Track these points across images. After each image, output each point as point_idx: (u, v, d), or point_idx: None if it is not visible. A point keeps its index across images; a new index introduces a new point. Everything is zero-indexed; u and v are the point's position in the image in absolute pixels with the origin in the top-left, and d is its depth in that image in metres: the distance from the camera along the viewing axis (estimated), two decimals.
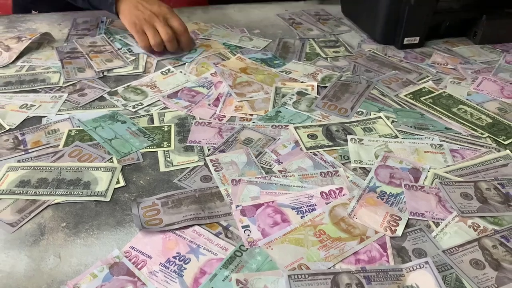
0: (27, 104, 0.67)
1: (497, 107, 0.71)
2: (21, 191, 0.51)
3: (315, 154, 0.59)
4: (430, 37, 0.92)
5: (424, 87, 0.75)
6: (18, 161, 0.56)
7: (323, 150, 0.59)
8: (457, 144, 0.61)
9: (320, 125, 0.64)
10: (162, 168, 0.56)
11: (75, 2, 0.92)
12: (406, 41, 0.88)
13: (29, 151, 0.58)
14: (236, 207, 0.50)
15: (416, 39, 0.89)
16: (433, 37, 0.93)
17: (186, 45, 0.85)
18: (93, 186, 0.52)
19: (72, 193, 0.51)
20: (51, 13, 1.00)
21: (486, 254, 0.45)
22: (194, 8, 1.09)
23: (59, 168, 0.54)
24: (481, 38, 0.92)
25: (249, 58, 0.84)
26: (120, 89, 0.72)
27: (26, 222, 0.48)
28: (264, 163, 0.57)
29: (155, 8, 0.82)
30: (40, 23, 0.95)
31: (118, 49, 0.84)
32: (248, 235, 0.47)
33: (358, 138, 0.62)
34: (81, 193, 0.51)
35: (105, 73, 0.77)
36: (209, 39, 0.92)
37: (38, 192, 0.51)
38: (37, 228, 0.47)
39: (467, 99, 0.72)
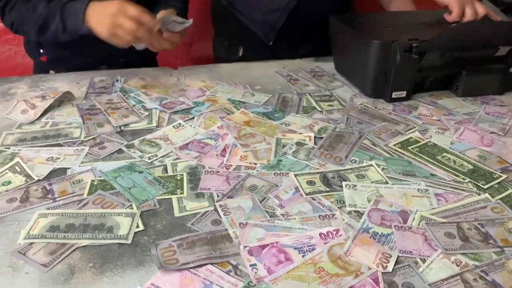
0: (52, 157, 0.74)
1: (478, 154, 0.78)
2: (52, 235, 0.57)
3: (313, 199, 0.65)
4: (416, 91, 1.01)
5: (411, 137, 0.83)
6: (48, 208, 0.62)
7: (321, 195, 0.66)
8: (441, 189, 0.68)
9: (317, 173, 0.71)
10: (177, 213, 0.63)
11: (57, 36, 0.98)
12: (394, 95, 0.97)
13: (57, 199, 0.64)
14: (244, 248, 0.56)
15: (403, 93, 0.98)
16: (419, 91, 1.02)
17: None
18: (115, 230, 0.58)
19: (97, 237, 0.57)
20: (70, 72, 1.09)
21: (468, 287, 0.51)
22: (201, 66, 1.19)
23: (84, 215, 0.61)
24: (462, 91, 1.01)
25: (252, 112, 0.92)
26: (136, 142, 0.80)
27: (58, 263, 0.53)
28: (268, 207, 0.64)
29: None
30: (60, 82, 1.04)
31: (133, 105, 0.93)
32: (256, 272, 0.53)
33: (352, 184, 0.68)
34: (105, 237, 0.57)
35: (122, 128, 0.84)
36: (215, 95, 1.00)
37: (67, 236, 0.57)
38: (67, 268, 0.53)
39: (450, 148, 0.80)
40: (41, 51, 1.15)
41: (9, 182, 0.68)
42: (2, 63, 1.52)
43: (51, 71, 1.16)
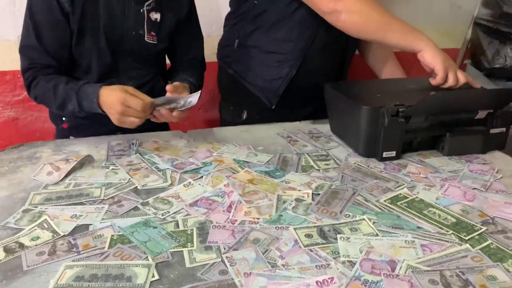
0: (76, 215, 0.82)
1: (461, 209, 0.86)
2: (77, 285, 0.64)
3: (311, 250, 0.72)
4: (405, 150, 1.11)
5: (400, 193, 0.91)
6: (73, 260, 0.70)
7: (318, 247, 0.73)
8: (427, 240, 0.75)
9: (315, 226, 0.79)
10: (188, 264, 0.70)
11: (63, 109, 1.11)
12: (384, 154, 1.06)
13: (81, 252, 0.72)
14: None
15: (393, 153, 1.07)
16: (408, 150, 1.11)
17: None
18: (134, 280, 0.65)
19: (118, 286, 0.64)
20: (89, 137, 1.20)
21: None
22: (208, 129, 1.30)
23: (106, 266, 0.68)
24: (448, 151, 1.10)
25: (255, 171, 1.01)
26: (151, 200, 0.88)
27: None
28: (270, 258, 0.71)
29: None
30: (81, 146, 1.14)
31: (146, 168, 1.02)
32: None
33: (346, 237, 0.76)
34: (124, 286, 0.64)
35: (138, 187, 0.93)
36: (221, 155, 1.10)
37: (91, 286, 0.64)
38: None
39: (436, 203, 0.87)
40: (63, 119, 1.27)
41: (38, 237, 0.76)
42: (24, 127, 1.65)
43: (71, 137, 1.27)
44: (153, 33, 1.19)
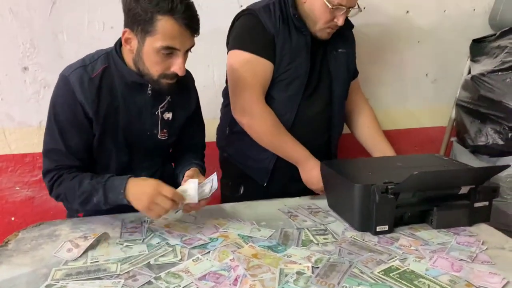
0: None
1: (449, 279, 0.93)
2: None
3: None
4: (397, 224, 1.19)
5: (393, 265, 0.99)
6: None
7: None
8: None
9: None
10: None
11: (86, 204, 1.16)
12: (378, 229, 1.15)
13: None
14: None
15: (385, 227, 1.15)
16: (400, 224, 1.20)
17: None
18: None
19: None
20: (104, 215, 1.29)
21: None
22: (214, 206, 1.39)
23: None
24: (436, 224, 1.19)
25: (259, 246, 1.09)
26: (163, 274, 0.96)
27: None
28: None
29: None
30: (97, 224, 1.23)
31: (158, 243, 1.11)
32: None
33: None
34: None
35: (151, 262, 1.01)
36: (227, 231, 1.18)
37: None
38: None
39: (425, 274, 0.95)
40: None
41: None
42: (39, 206, 1.75)
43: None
44: (165, 131, 1.30)
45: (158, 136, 1.29)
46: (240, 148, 1.54)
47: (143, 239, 1.13)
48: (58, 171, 1.17)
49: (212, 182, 1.18)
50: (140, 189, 1.10)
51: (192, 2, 1.11)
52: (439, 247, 1.08)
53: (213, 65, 1.82)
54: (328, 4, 1.34)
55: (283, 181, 1.53)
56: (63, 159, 1.17)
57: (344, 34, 1.51)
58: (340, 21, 1.38)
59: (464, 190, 1.19)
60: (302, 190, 1.47)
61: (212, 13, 1.72)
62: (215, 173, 1.20)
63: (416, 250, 1.07)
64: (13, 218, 1.78)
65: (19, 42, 1.64)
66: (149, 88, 1.21)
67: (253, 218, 1.27)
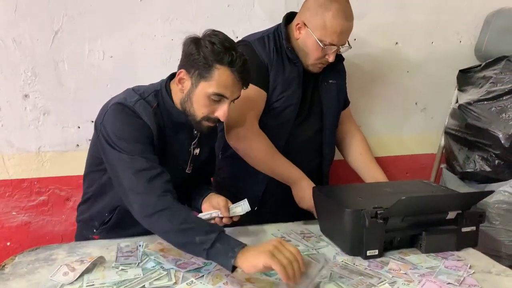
0: None
1: None
2: None
3: None
4: (387, 249, 1.22)
5: None
6: None
7: None
8: None
9: None
10: None
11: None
12: (368, 253, 1.18)
13: None
14: None
15: (375, 252, 1.18)
16: (390, 248, 1.23)
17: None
18: None
19: None
20: (100, 240, 1.31)
21: None
22: None
23: None
24: (425, 249, 1.22)
25: None
26: None
27: None
28: None
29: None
30: (93, 248, 1.25)
31: (152, 267, 1.13)
32: None
33: None
34: None
35: (145, 285, 1.03)
36: None
37: None
38: None
39: None
40: (95, 231, 1.35)
41: None
42: (35, 231, 1.76)
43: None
44: (192, 165, 1.34)
45: (186, 171, 1.34)
46: (231, 173, 1.59)
47: (138, 263, 1.15)
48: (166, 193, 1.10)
49: (243, 205, 1.26)
50: (259, 248, 0.99)
51: (247, 59, 1.19)
52: (428, 271, 1.11)
53: None
54: (320, 44, 1.42)
55: (274, 205, 1.56)
56: (161, 176, 1.12)
57: (335, 66, 1.57)
58: (331, 58, 1.46)
59: (451, 215, 1.23)
60: (293, 213, 1.50)
61: None
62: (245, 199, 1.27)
63: (405, 273, 1.10)
64: (8, 243, 1.79)
65: (21, 71, 1.69)
66: (195, 132, 1.28)
67: (246, 243, 1.28)
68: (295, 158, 1.50)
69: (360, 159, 1.67)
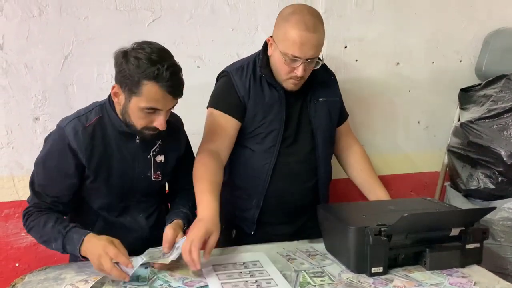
0: None
1: None
2: None
3: None
4: (392, 266, 1.23)
5: None
6: None
7: None
8: None
9: None
10: None
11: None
12: (373, 270, 1.19)
13: None
14: None
15: (380, 268, 1.19)
16: (394, 266, 1.24)
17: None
18: None
19: None
20: None
21: None
22: (214, 250, 1.42)
23: None
24: (430, 265, 1.23)
25: None
26: None
27: None
28: None
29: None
30: None
31: (160, 285, 1.14)
32: None
33: None
34: None
35: None
36: None
37: None
38: None
39: None
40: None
41: None
42: (43, 251, 1.77)
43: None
44: (159, 173, 1.39)
45: (152, 178, 1.38)
46: (226, 198, 1.54)
47: (147, 281, 1.17)
48: (34, 207, 1.29)
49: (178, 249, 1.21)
50: (92, 248, 1.17)
51: (179, 68, 1.21)
52: None
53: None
54: (283, 56, 1.40)
55: (270, 228, 1.56)
56: (41, 198, 1.29)
57: (325, 83, 1.57)
58: (299, 72, 1.40)
59: (454, 232, 1.24)
60: (293, 233, 1.52)
61: (213, 66, 1.83)
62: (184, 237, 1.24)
63: None
64: (17, 264, 1.80)
65: (32, 94, 1.74)
66: (137, 137, 1.32)
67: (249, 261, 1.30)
68: (289, 180, 1.52)
69: (362, 177, 1.67)
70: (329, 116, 1.58)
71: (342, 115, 1.68)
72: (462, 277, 1.19)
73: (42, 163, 1.30)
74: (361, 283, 1.16)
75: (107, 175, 1.31)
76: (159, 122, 1.23)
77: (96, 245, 1.16)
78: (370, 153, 1.79)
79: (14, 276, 1.56)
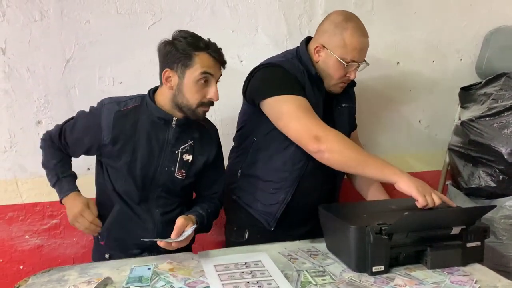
0: None
1: None
2: None
3: None
4: (393, 265, 1.23)
5: None
6: None
7: None
8: None
9: None
10: None
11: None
12: (374, 269, 1.19)
13: None
14: None
15: (381, 268, 1.20)
16: (396, 265, 1.24)
17: None
18: None
19: None
20: (111, 261, 1.34)
21: None
22: (217, 250, 1.44)
23: None
24: (431, 264, 1.23)
25: None
26: None
27: None
28: None
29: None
30: (104, 269, 1.28)
31: (162, 286, 1.15)
32: None
33: None
34: None
35: None
36: None
37: None
38: None
39: None
40: (99, 237, 1.45)
41: None
42: (47, 254, 1.80)
43: (106, 255, 1.45)
44: (183, 171, 1.41)
45: (175, 174, 1.40)
46: (250, 192, 1.59)
47: (149, 282, 1.17)
48: (50, 139, 1.47)
49: (186, 232, 1.27)
50: (71, 204, 1.36)
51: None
52: (434, 286, 1.12)
53: (216, 115, 1.92)
54: (342, 61, 1.47)
55: (289, 226, 1.57)
56: (60, 137, 1.44)
57: (347, 91, 1.63)
58: (352, 76, 1.52)
59: (455, 230, 1.24)
60: (308, 233, 1.53)
61: None
62: (195, 226, 1.31)
63: None
64: (21, 267, 1.82)
65: (34, 98, 1.76)
66: (173, 123, 1.37)
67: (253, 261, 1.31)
68: (315, 180, 1.53)
69: (363, 180, 1.69)
70: (348, 121, 1.65)
71: (354, 123, 1.74)
72: (464, 275, 1.19)
73: (72, 122, 1.44)
74: (363, 282, 1.16)
75: (130, 159, 1.36)
76: (213, 93, 1.32)
77: (75, 205, 1.34)
78: (372, 153, 1.79)
79: (18, 278, 1.56)
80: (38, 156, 1.78)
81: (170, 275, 1.22)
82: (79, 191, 1.41)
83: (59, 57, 1.76)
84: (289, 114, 1.43)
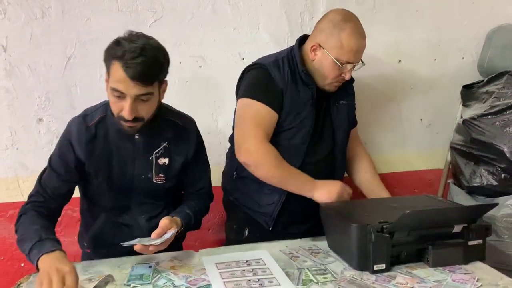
0: None
1: None
2: None
3: None
4: (394, 263, 1.23)
5: None
6: None
7: None
8: None
9: None
10: None
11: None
12: (375, 267, 1.19)
13: None
14: None
15: (382, 266, 1.20)
16: (397, 263, 1.24)
17: None
18: None
19: None
20: (112, 258, 1.34)
21: None
22: (217, 248, 1.44)
23: None
24: (432, 262, 1.22)
25: None
26: None
27: None
28: None
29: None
30: (105, 267, 1.27)
31: (164, 283, 1.15)
32: None
33: None
34: None
35: None
36: None
37: None
38: None
39: None
40: (85, 244, 1.44)
41: None
42: None
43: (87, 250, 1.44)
44: (161, 175, 1.37)
45: (154, 180, 1.36)
46: (246, 193, 1.60)
47: (150, 280, 1.17)
48: (31, 204, 1.29)
49: (166, 235, 1.22)
50: (44, 268, 1.08)
51: (153, 57, 1.17)
52: (435, 285, 1.12)
53: (217, 114, 1.92)
54: (337, 62, 1.47)
55: (287, 224, 1.58)
56: (43, 189, 1.31)
57: (345, 87, 1.62)
58: (347, 76, 1.51)
59: (457, 228, 1.24)
60: (307, 231, 1.52)
61: (215, 65, 1.85)
62: (174, 230, 1.24)
63: (412, 287, 1.11)
64: (22, 264, 1.82)
65: (35, 96, 1.76)
66: (136, 136, 1.31)
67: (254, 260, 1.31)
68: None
69: (365, 178, 1.69)
70: (347, 118, 1.64)
71: (354, 120, 1.73)
72: (465, 273, 1.18)
73: (50, 158, 1.35)
74: (364, 280, 1.16)
75: (108, 174, 1.33)
76: (124, 109, 1.17)
77: (49, 266, 1.08)
78: (372, 152, 1.80)
79: (20, 276, 1.56)
80: (39, 153, 1.79)
81: (171, 272, 1.22)
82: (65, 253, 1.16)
83: (60, 54, 1.75)
84: (243, 118, 1.49)
